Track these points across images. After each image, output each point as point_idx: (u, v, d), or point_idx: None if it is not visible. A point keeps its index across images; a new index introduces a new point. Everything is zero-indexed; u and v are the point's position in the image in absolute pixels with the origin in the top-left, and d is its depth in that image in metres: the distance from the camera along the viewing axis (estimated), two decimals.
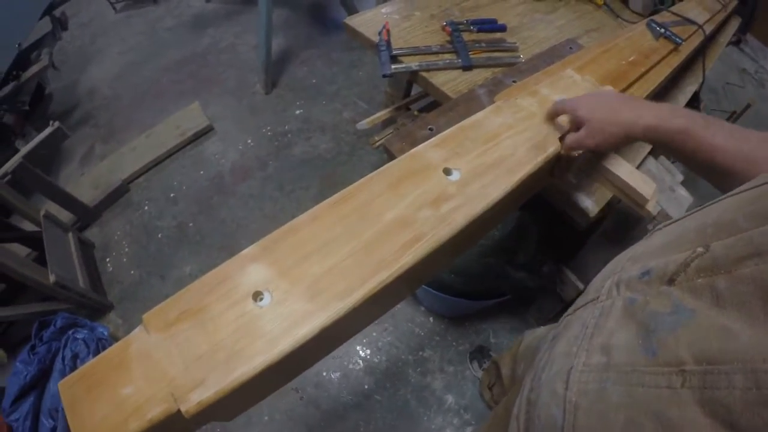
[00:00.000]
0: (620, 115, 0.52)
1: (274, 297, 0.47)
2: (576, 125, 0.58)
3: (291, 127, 1.97)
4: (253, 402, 0.60)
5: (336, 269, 0.49)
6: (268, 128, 1.97)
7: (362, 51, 2.20)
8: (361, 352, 1.53)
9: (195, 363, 0.44)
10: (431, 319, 1.56)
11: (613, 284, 0.34)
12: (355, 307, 0.47)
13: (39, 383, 1.43)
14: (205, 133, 2.00)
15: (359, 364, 1.51)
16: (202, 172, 1.89)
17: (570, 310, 0.41)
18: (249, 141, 1.95)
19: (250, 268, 0.49)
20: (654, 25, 0.98)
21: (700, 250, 0.27)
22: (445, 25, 1.15)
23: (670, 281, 0.28)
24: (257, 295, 0.47)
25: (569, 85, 0.72)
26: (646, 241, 0.37)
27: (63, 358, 1.45)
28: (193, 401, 0.42)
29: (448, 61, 1.11)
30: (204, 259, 1.72)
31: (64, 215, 1.84)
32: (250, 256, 0.50)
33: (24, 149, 1.72)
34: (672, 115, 0.49)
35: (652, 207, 0.62)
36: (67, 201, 1.83)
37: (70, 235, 1.80)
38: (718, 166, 0.45)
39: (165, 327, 0.46)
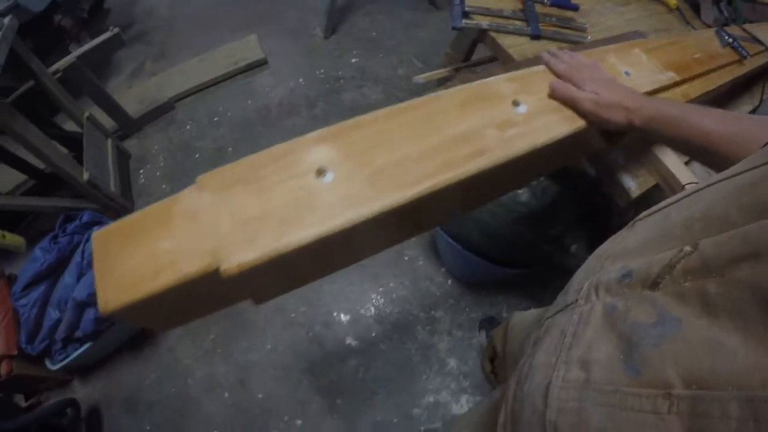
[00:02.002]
0: (624, 102, 0.51)
1: (336, 176, 0.46)
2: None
3: (344, 74, 1.95)
4: (287, 286, 0.57)
5: (401, 163, 0.48)
6: (322, 71, 1.96)
7: (427, 12, 2.17)
8: (374, 300, 1.51)
9: (244, 226, 0.43)
10: (449, 281, 1.54)
11: (591, 286, 0.31)
12: (413, 201, 0.46)
13: (53, 274, 1.43)
14: (258, 65, 1.99)
15: (371, 311, 1.50)
16: (249, 102, 1.89)
17: (551, 310, 0.38)
18: (300, 80, 1.93)
19: (315, 148, 0.49)
20: (723, 33, 0.95)
21: (687, 249, 0.24)
22: None
23: (654, 285, 0.25)
24: (320, 172, 0.47)
25: (635, 62, 0.71)
26: (627, 232, 0.33)
27: (83, 252, 1.46)
28: (234, 262, 0.40)
29: (518, 26, 1.10)
30: None
31: (107, 123, 1.86)
32: (316, 137, 0.49)
33: (79, 50, 1.74)
34: (667, 105, 0.50)
35: None
36: (111, 108, 1.85)
37: (109, 141, 1.82)
38: (711, 150, 0.45)
39: (218, 188, 0.45)
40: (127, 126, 1.91)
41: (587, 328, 0.29)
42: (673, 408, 0.20)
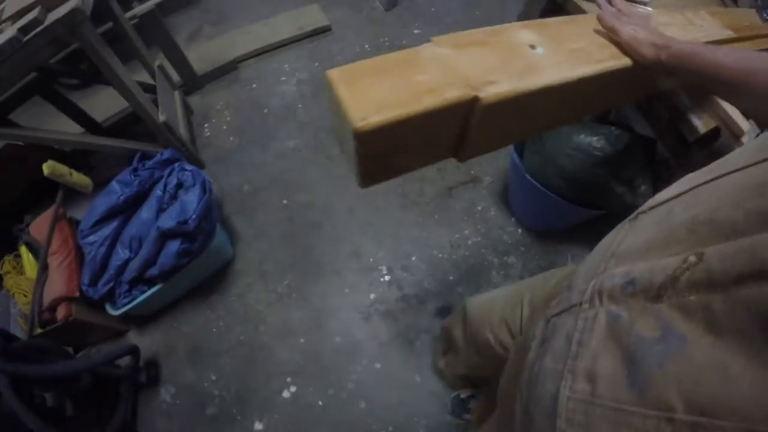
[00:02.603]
0: (656, 41, 0.58)
1: (545, 51, 0.56)
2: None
3: (408, 43, 2.01)
4: (500, 140, 0.64)
5: (585, 49, 0.60)
6: (386, 39, 2.02)
7: None
8: (450, 245, 1.55)
9: (489, 70, 0.50)
10: (519, 230, 1.59)
11: (595, 290, 0.30)
12: (602, 73, 0.57)
13: (128, 210, 1.39)
14: (323, 32, 2.05)
15: (447, 256, 1.53)
16: (316, 64, 1.93)
17: (555, 309, 0.38)
18: (366, 46, 1.99)
19: (522, 31, 0.59)
20: (762, 12, 1.08)
21: (692, 259, 0.23)
22: None
23: (658, 297, 0.24)
24: (532, 46, 0.56)
25: (702, 19, 0.84)
26: (630, 226, 0.33)
27: (165, 185, 1.42)
28: (490, 92, 0.47)
29: None
30: (310, 137, 1.75)
31: (173, 76, 1.87)
32: (519, 26, 0.60)
33: None
34: (687, 44, 0.56)
35: (746, 140, 0.76)
36: (179, 62, 1.87)
37: (176, 93, 1.84)
38: (722, 80, 0.50)
39: (455, 46, 0.52)
40: (191, 82, 1.93)
41: (592, 337, 0.29)
42: None
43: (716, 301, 0.20)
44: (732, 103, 0.63)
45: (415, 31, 2.06)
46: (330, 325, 1.44)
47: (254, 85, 1.93)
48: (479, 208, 1.62)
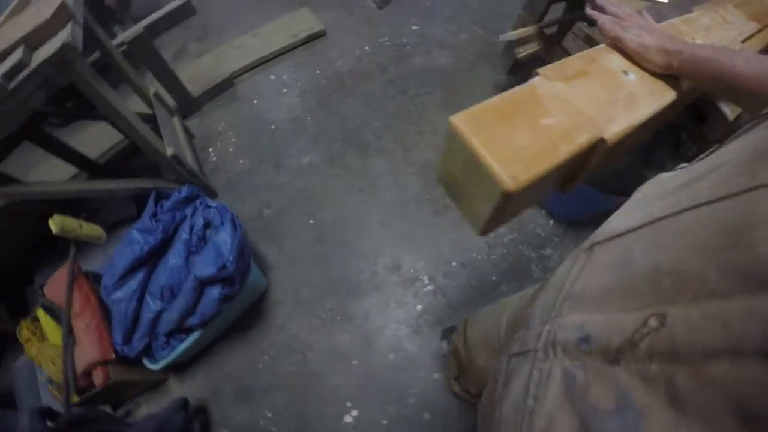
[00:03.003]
0: (666, 46, 0.54)
1: (636, 77, 0.57)
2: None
3: (409, 41, 1.95)
4: (606, 165, 0.64)
5: (649, 80, 0.59)
6: (386, 38, 1.95)
7: None
8: (487, 246, 1.53)
9: (602, 105, 0.51)
10: (551, 222, 1.58)
11: (549, 340, 0.29)
12: (682, 95, 0.58)
13: (153, 258, 1.30)
14: (318, 37, 1.96)
15: (486, 256, 1.51)
16: (318, 72, 1.85)
17: (514, 347, 0.36)
18: (366, 48, 1.92)
19: (611, 56, 0.60)
20: None
21: (652, 323, 0.20)
22: None
23: (615, 360, 0.22)
24: (625, 73, 0.57)
25: (730, 13, 0.82)
26: (586, 260, 0.31)
27: (191, 227, 1.34)
28: (612, 132, 0.48)
29: None
30: (324, 149, 1.68)
31: (167, 101, 1.76)
32: (605, 49, 0.61)
33: (146, 20, 1.63)
34: (701, 47, 0.53)
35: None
36: (173, 85, 1.76)
37: (175, 119, 1.73)
38: (740, 89, 0.48)
39: (564, 79, 0.52)
40: (188, 105, 1.82)
41: (547, 394, 0.27)
42: None
43: (680, 375, 0.18)
44: (748, 112, 0.61)
45: (413, 27, 2.00)
46: (380, 343, 1.40)
47: (255, 101, 1.83)
48: None
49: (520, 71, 1.78)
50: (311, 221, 1.58)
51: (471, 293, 1.45)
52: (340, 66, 1.86)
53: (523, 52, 1.57)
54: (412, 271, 1.49)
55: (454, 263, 1.49)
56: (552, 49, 1.60)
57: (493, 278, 1.48)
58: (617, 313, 0.23)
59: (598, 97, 0.52)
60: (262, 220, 1.59)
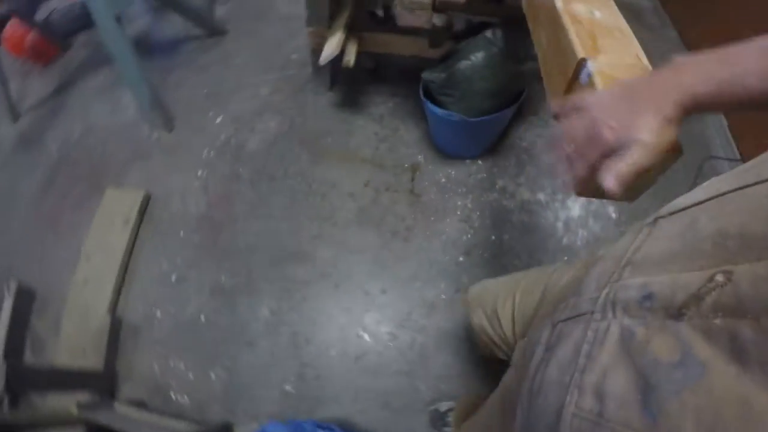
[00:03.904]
0: (665, 111, 0.36)
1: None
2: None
3: (227, 134, 1.77)
4: None
5: None
6: (205, 150, 1.76)
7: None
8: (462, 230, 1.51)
9: None
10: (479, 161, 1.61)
11: (608, 300, 0.28)
12: None
13: None
14: (148, 204, 1.70)
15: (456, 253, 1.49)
16: (182, 233, 1.61)
17: (562, 314, 0.35)
18: (199, 172, 1.71)
19: None
20: None
21: (719, 278, 0.21)
22: None
23: (679, 315, 0.22)
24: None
25: None
26: (649, 232, 0.30)
27: None
28: None
29: None
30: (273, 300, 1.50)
31: None
32: None
33: None
34: (692, 80, 0.36)
35: None
36: None
37: None
38: (756, 101, 0.35)
39: None
40: None
41: (602, 350, 0.27)
42: None
43: (744, 328, 0.19)
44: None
45: (217, 121, 1.81)
46: None
47: (158, 315, 1.56)
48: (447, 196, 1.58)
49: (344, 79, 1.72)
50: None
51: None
52: (195, 209, 1.64)
53: (349, 58, 1.49)
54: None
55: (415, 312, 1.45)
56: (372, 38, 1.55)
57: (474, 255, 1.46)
58: (682, 273, 0.23)
59: None
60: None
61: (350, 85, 1.78)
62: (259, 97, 1.86)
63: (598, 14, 0.70)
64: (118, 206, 1.72)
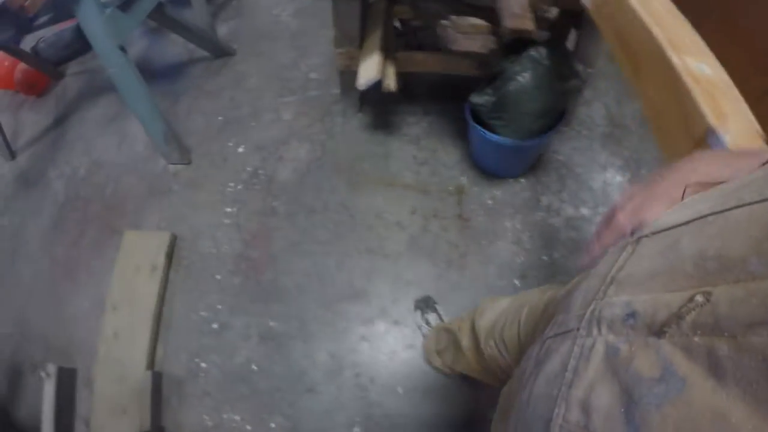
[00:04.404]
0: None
1: None
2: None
3: (254, 167, 1.68)
4: None
5: None
6: (230, 185, 1.65)
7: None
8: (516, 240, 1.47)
9: None
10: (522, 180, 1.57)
11: (594, 317, 0.30)
12: None
13: None
14: (174, 245, 1.59)
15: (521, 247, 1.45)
16: (218, 277, 1.51)
17: (550, 331, 0.37)
18: (229, 209, 1.60)
19: None
20: None
21: (698, 299, 0.22)
22: None
23: (660, 332, 0.23)
24: None
25: None
26: (632, 250, 0.32)
27: None
28: None
29: None
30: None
31: None
32: None
33: None
34: (724, 159, 0.41)
35: None
36: None
37: None
38: None
39: None
40: None
41: (588, 366, 0.28)
42: None
43: (721, 345, 0.20)
44: None
45: (240, 150, 1.71)
46: None
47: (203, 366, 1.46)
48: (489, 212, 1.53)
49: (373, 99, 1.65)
50: None
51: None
52: (229, 249, 1.54)
53: (389, 82, 1.42)
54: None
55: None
56: (409, 58, 1.48)
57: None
58: (663, 293, 0.24)
59: None
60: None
61: (380, 105, 1.70)
62: (282, 123, 1.76)
63: (707, 70, 0.70)
64: (141, 251, 1.60)
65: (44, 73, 2.08)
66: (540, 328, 0.54)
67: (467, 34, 1.18)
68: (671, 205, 0.37)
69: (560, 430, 0.27)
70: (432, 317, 1.37)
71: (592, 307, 0.30)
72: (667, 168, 0.43)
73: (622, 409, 0.23)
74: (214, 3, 2.26)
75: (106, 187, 1.80)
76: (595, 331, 0.28)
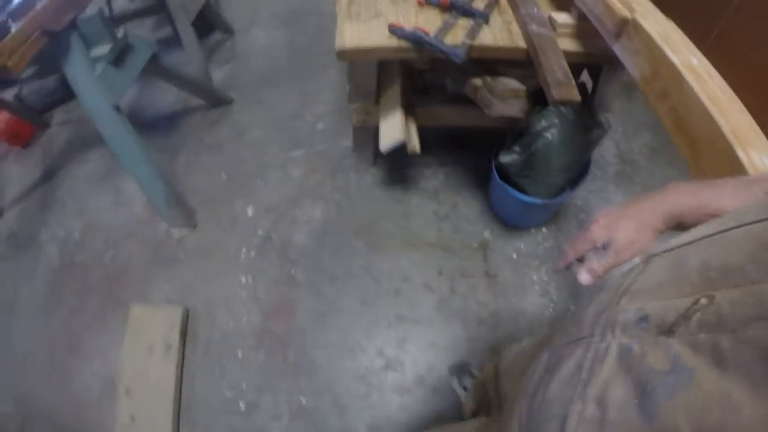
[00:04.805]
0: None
1: None
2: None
3: (265, 230, 1.60)
4: None
5: None
6: (242, 250, 1.57)
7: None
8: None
9: None
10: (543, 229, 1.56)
11: (607, 324, 0.32)
12: None
13: None
14: (187, 319, 1.50)
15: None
16: (240, 352, 1.43)
17: (562, 339, 0.40)
18: (243, 279, 1.53)
19: None
20: None
21: (703, 301, 0.25)
22: None
23: (669, 332, 0.26)
24: None
25: None
26: (643, 268, 0.35)
27: None
28: None
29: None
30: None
31: None
32: None
33: None
34: (692, 190, 0.47)
35: None
36: None
37: None
38: None
39: None
40: None
41: (603, 365, 0.30)
42: None
43: (724, 339, 0.23)
44: None
45: (249, 213, 1.63)
46: None
47: None
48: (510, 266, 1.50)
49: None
50: None
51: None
52: (249, 323, 1.46)
53: (414, 143, 1.37)
54: None
55: None
56: (427, 112, 1.43)
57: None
58: (672, 299, 0.27)
59: None
60: None
61: (393, 157, 1.66)
62: (292, 180, 1.69)
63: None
64: (152, 328, 1.50)
65: (29, 123, 1.95)
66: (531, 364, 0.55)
67: (504, 100, 1.13)
68: (639, 223, 0.47)
69: (577, 425, 0.29)
70: (468, 381, 1.34)
71: (605, 315, 0.33)
72: (642, 195, 0.50)
73: (636, 400, 0.25)
74: (207, 44, 2.16)
75: (104, 253, 1.69)
76: (609, 336, 0.31)
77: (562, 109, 1.26)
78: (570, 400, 0.30)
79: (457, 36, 1.10)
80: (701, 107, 0.79)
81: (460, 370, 1.35)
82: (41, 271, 1.68)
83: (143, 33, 2.14)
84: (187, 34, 1.86)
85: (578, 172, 1.37)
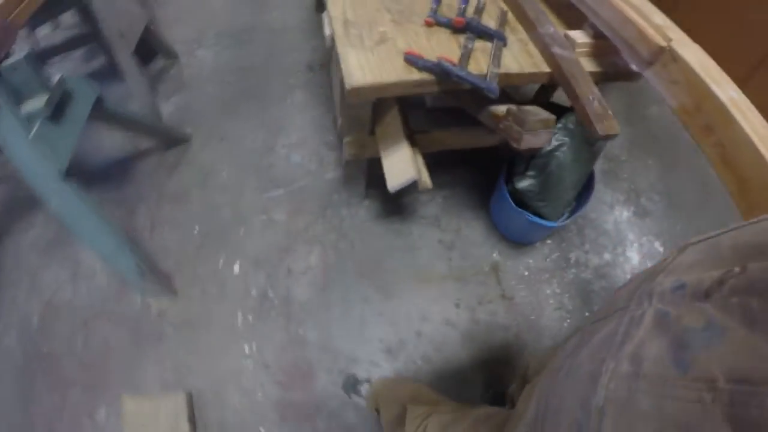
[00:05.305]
0: None
1: None
2: None
3: (258, 290, 1.45)
4: None
5: None
6: (237, 316, 1.42)
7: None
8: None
9: None
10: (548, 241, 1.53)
11: (644, 294, 0.34)
12: None
13: None
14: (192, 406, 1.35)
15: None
16: None
17: (589, 319, 0.42)
18: (246, 348, 1.38)
19: None
20: None
21: (736, 270, 0.27)
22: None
23: (705, 297, 0.28)
24: None
25: None
26: (678, 255, 0.36)
27: None
28: None
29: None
30: None
31: None
32: None
33: None
34: None
35: None
36: None
37: None
38: None
39: None
40: None
41: (639, 328, 0.31)
42: (717, 399, 0.23)
43: (754, 302, 0.25)
44: None
45: (253, 292, 1.46)
46: None
47: None
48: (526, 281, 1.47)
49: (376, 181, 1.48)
50: None
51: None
52: (265, 397, 1.33)
53: (425, 178, 1.25)
54: None
55: None
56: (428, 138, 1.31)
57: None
58: (707, 272, 0.29)
59: None
60: None
61: (384, 187, 1.55)
62: (277, 225, 1.53)
63: None
64: (153, 421, 1.33)
65: None
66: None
67: (535, 132, 1.01)
68: None
69: (609, 381, 0.30)
70: (364, 386, 1.31)
71: (641, 288, 0.34)
72: None
73: (672, 354, 0.27)
74: (148, 73, 1.87)
75: (73, 338, 1.47)
76: (645, 303, 0.32)
77: (570, 125, 1.20)
78: (602, 361, 0.31)
79: (480, 63, 0.98)
80: (751, 146, 0.74)
81: (348, 384, 1.32)
82: (5, 371, 1.45)
83: (72, 67, 1.82)
84: (129, 65, 1.60)
85: (582, 186, 1.34)
